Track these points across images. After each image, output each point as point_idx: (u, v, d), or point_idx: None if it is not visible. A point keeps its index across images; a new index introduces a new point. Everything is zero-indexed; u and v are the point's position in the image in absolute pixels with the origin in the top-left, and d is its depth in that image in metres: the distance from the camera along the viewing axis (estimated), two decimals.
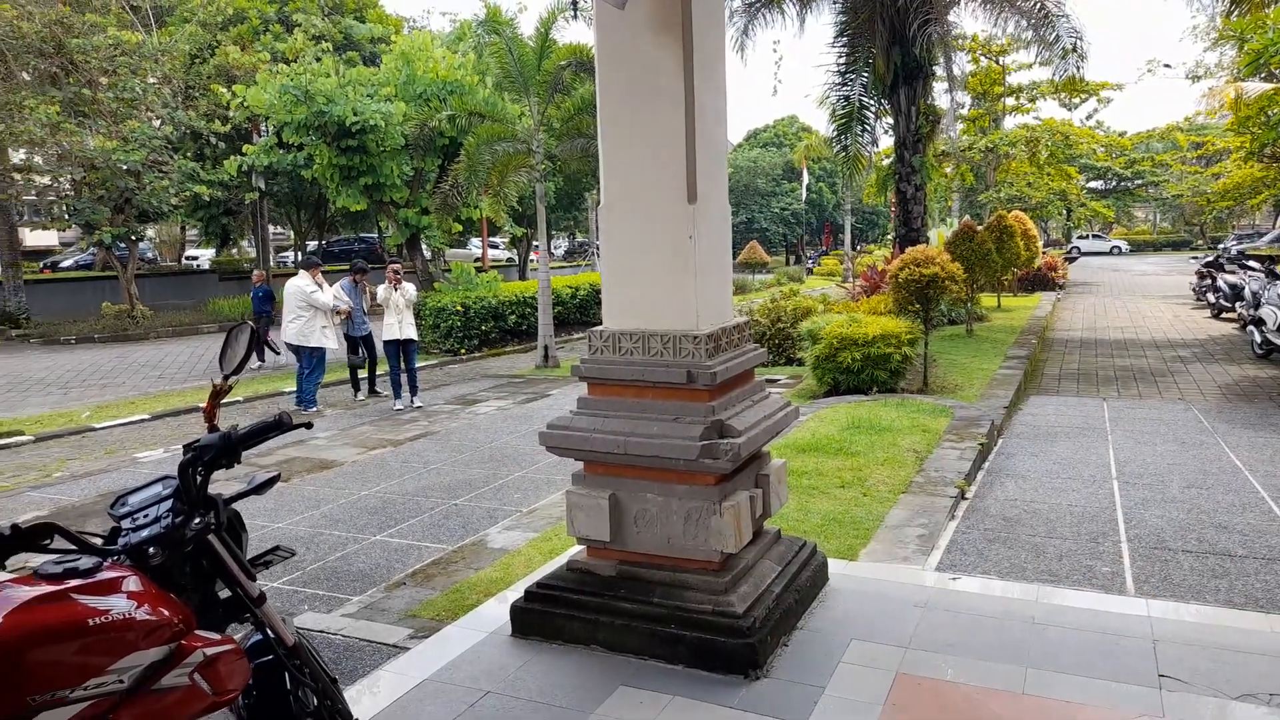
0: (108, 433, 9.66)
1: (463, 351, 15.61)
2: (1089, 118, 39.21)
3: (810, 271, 38.04)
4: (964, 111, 28.72)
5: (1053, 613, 3.86)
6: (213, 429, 2.05)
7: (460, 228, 21.19)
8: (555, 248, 43.52)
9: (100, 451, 8.75)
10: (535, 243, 30.74)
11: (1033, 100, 31.93)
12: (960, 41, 21.29)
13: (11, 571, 1.77)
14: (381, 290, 10.59)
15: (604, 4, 3.49)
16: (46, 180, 19.72)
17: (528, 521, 5.93)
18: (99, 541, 1.91)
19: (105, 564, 1.78)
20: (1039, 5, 14.68)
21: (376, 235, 25.75)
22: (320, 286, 10.62)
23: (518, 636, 3.77)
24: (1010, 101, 31.51)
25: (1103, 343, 14.97)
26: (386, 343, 10.62)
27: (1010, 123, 31.55)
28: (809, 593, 3.95)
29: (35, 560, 1.73)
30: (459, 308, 15.61)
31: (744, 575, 3.65)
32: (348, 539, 5.78)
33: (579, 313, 18.89)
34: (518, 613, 3.78)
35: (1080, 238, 53.07)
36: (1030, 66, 29.39)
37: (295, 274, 11.80)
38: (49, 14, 17.45)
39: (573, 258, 46.27)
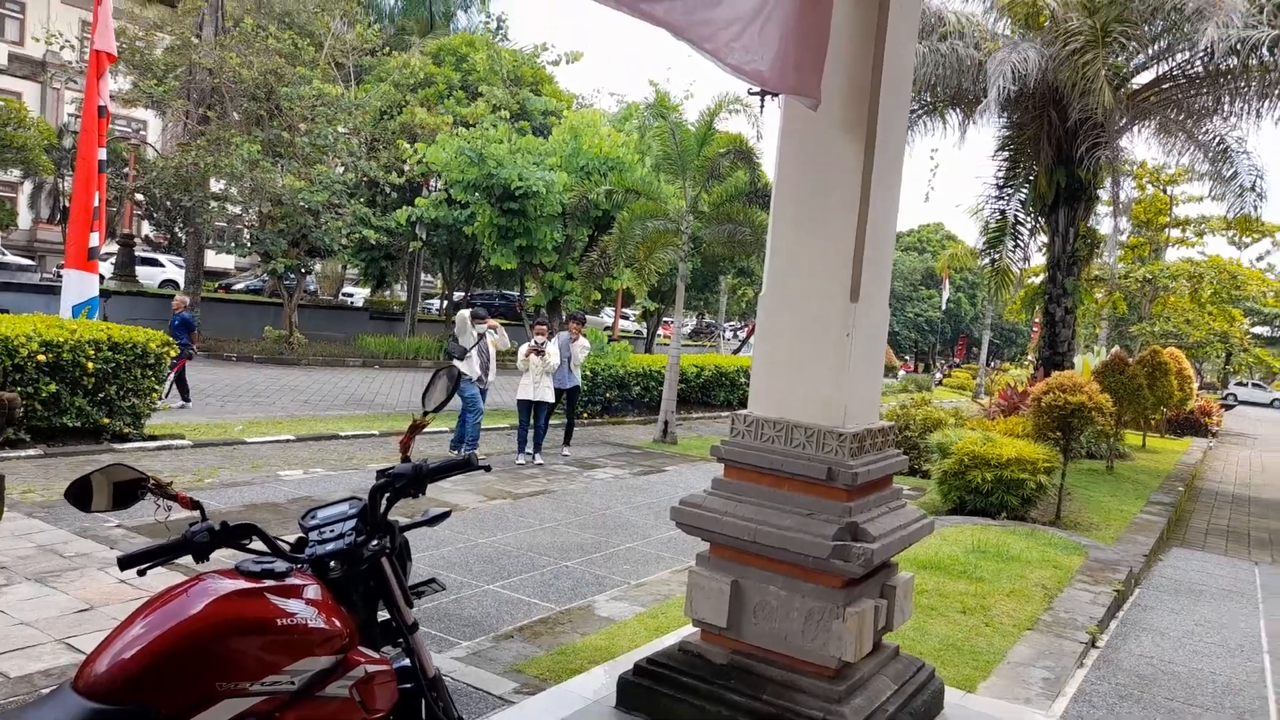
0: (256, 448, 10.33)
1: (585, 415, 15.91)
2: (1260, 259, 37.15)
3: (939, 382, 36.99)
4: (1124, 238, 27.67)
5: None
6: (405, 460, 2.22)
7: (599, 296, 21.85)
8: (683, 326, 44.21)
9: (248, 465, 9.36)
10: (666, 318, 31.43)
11: (1200, 235, 30.49)
12: (1128, 167, 20.68)
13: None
14: (522, 351, 10.86)
15: (792, 100, 3.64)
16: (237, 210, 21.67)
17: (635, 595, 5.96)
18: (288, 548, 2.09)
19: (293, 570, 1.94)
20: (1218, 139, 14.21)
21: (518, 293, 26.85)
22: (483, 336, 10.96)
23: (621, 709, 3.78)
24: (1175, 233, 30.18)
25: (1258, 501, 13.87)
26: (520, 401, 10.90)
27: (1173, 255, 30.20)
28: (923, 718, 3.80)
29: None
30: (587, 372, 15.97)
31: (859, 687, 3.56)
32: (462, 583, 5.96)
33: (701, 392, 18.99)
34: (625, 686, 3.80)
35: (1239, 384, 49.68)
36: (1201, 200, 28.21)
37: (444, 320, 12.35)
38: (266, 64, 19.43)
39: (698, 337, 46.67)
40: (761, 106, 14.89)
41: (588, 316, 30.52)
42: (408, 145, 19.07)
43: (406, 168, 20.60)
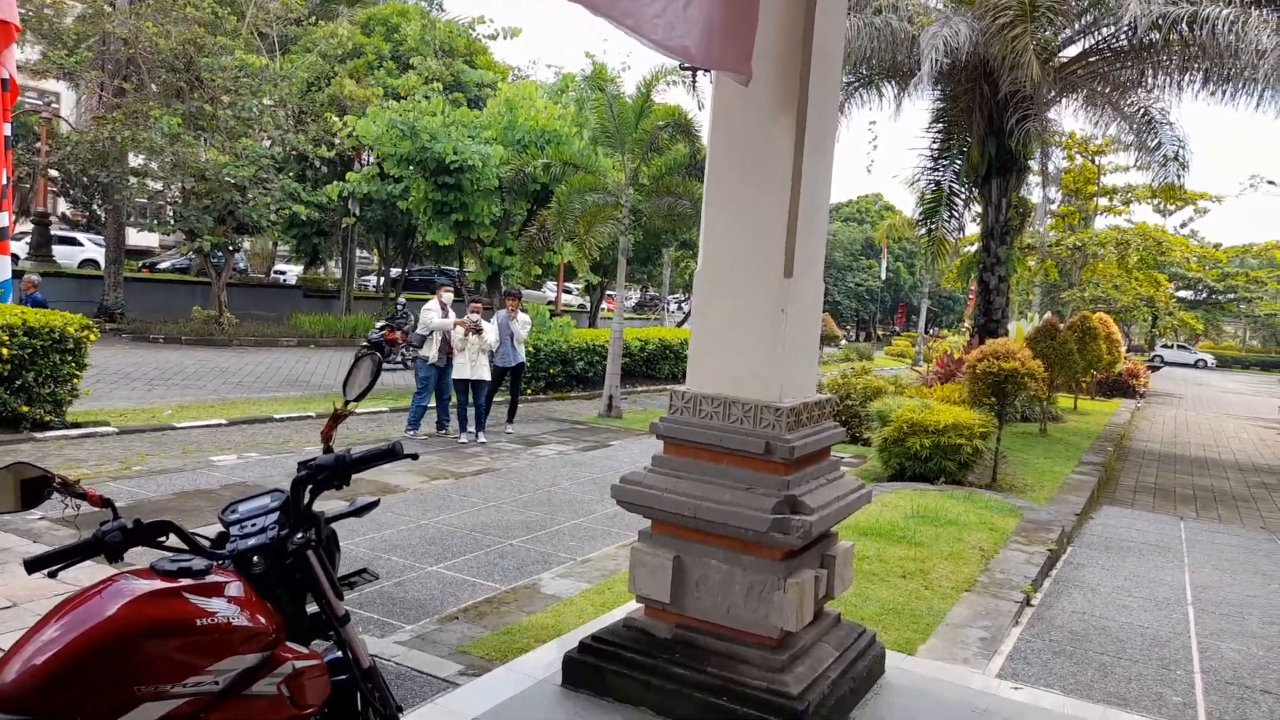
0: (186, 433, 10.01)
1: (529, 392, 15.78)
2: (1183, 225, 38.30)
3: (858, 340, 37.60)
4: (1054, 207, 28.35)
5: None
6: (328, 450, 2.13)
7: (540, 271, 21.63)
8: (627, 299, 44.03)
9: (178, 450, 9.07)
10: (609, 292, 31.31)
11: (1127, 203, 31.38)
12: (1057, 138, 21.14)
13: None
14: (458, 330, 10.58)
15: (724, 77, 3.59)
16: (158, 186, 20.82)
17: (581, 571, 5.94)
18: (208, 544, 2.00)
19: (213, 567, 1.86)
20: (1143, 111, 14.59)
21: (457, 269, 26.47)
22: (444, 309, 10.84)
23: (567, 687, 3.76)
24: (1103, 202, 31.03)
25: (1182, 459, 14.44)
26: (456, 380, 10.74)
27: (1101, 223, 31.05)
28: (865, 682, 3.87)
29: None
30: (530, 349, 15.84)
31: (801, 656, 3.59)
32: (405, 566, 5.87)
33: (645, 366, 18.99)
34: (570, 663, 3.78)
35: (1165, 346, 51.61)
36: (1127, 169, 28.98)
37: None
38: (185, 34, 18.62)
39: (643, 310, 46.71)
40: (693, 81, 14.78)
41: (530, 291, 30.30)
42: (337, 119, 18.49)
43: (336, 141, 20.04)
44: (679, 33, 2.86)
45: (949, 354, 14.82)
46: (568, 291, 38.89)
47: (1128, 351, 30.97)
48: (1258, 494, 11.31)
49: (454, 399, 11.08)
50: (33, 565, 1.79)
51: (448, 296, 11.11)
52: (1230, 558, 7.61)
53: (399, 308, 19.58)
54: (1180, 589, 6.47)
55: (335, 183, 19.62)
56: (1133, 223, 30.59)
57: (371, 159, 20.39)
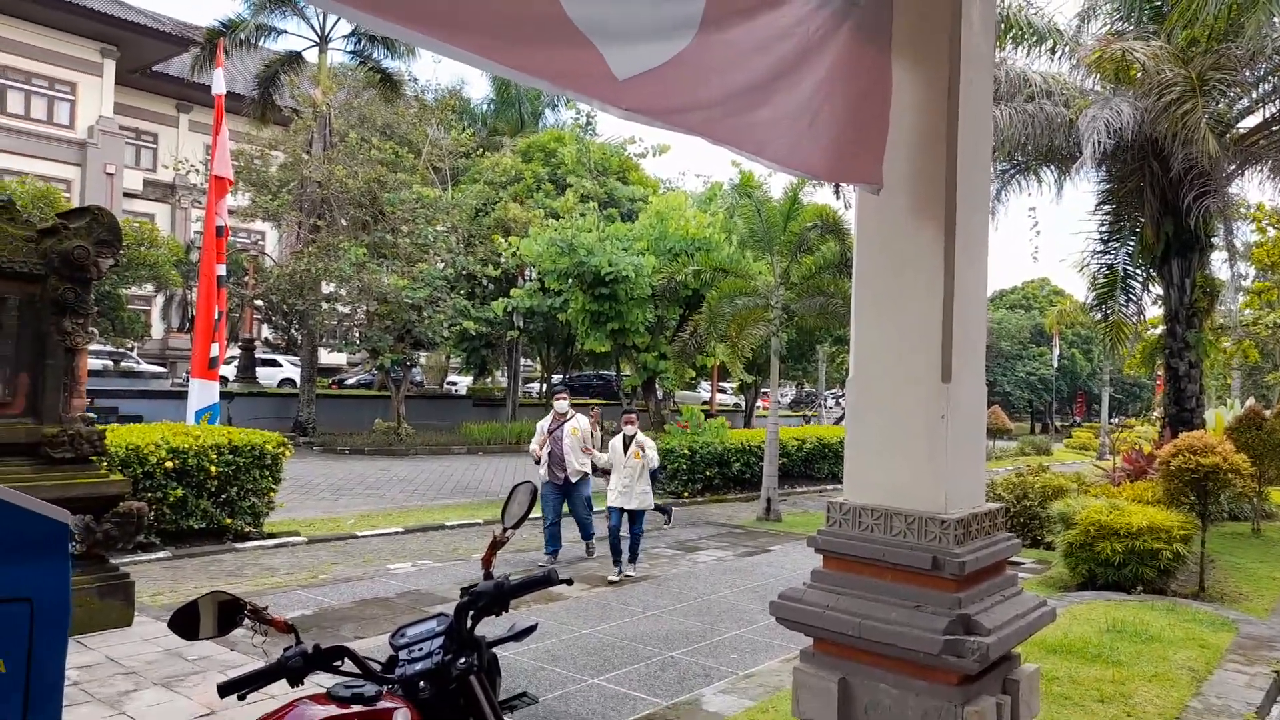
0: (366, 541, 10.61)
1: (685, 495, 15.77)
2: None
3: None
4: (1247, 283, 26.06)
5: None
6: (488, 576, 2.23)
7: (694, 373, 21.89)
8: (782, 396, 43.49)
9: (359, 559, 9.61)
10: (764, 390, 31.19)
11: None
12: (1243, 211, 19.62)
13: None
14: (612, 445, 9.34)
15: (863, 188, 3.61)
16: (346, 310, 22.84)
17: (744, 687, 5.75)
18: (379, 668, 2.11)
19: (383, 692, 1.96)
20: None
21: (614, 373, 27.19)
22: (558, 419, 9.58)
23: None
24: None
25: None
26: (611, 508, 9.14)
27: None
28: None
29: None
30: (686, 451, 15.89)
31: None
32: (567, 678, 5.88)
33: (804, 466, 18.59)
34: None
35: None
36: None
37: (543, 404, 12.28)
38: (370, 174, 20.68)
39: (798, 407, 46.00)
40: (837, 185, 14.83)
41: (684, 392, 30.45)
42: (502, 239, 19.86)
43: (502, 260, 21.39)
44: (802, 151, 2.86)
45: (1138, 448, 13.65)
46: (722, 391, 38.97)
47: None
48: None
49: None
50: (225, 690, 1.95)
51: (561, 405, 9.74)
52: None
53: None
54: None
55: (501, 299, 20.88)
56: None
57: (533, 275, 21.61)
